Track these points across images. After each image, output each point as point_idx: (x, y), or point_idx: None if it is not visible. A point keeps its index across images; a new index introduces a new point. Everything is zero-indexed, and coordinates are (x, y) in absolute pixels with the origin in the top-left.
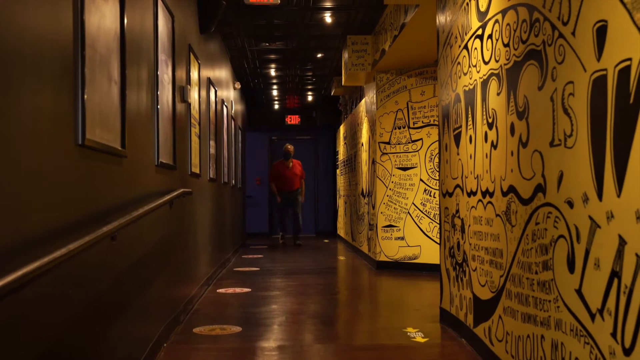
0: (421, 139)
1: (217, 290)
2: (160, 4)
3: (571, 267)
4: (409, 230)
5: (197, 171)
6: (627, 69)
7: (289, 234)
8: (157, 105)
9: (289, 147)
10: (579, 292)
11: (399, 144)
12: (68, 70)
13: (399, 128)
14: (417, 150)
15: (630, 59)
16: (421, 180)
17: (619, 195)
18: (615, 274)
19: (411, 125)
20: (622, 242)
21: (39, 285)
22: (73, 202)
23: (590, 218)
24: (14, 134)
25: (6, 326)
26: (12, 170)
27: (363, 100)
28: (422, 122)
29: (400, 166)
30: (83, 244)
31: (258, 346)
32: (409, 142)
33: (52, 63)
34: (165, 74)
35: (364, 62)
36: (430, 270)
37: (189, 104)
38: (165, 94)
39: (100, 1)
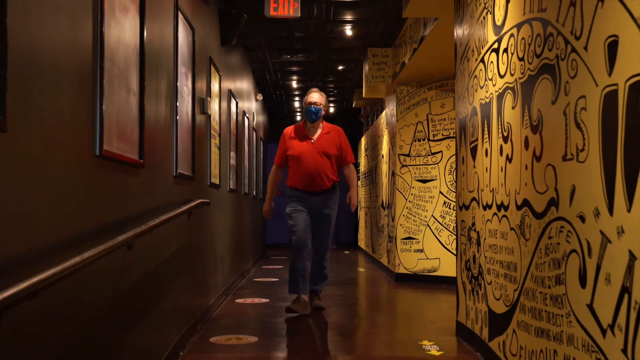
0: (441, 151)
1: (236, 300)
2: (180, 17)
3: (583, 281)
4: (428, 242)
5: (217, 182)
6: (638, 84)
7: (303, 288)
8: (176, 116)
9: (315, 94)
10: (590, 307)
11: (418, 156)
12: (87, 83)
13: (419, 140)
14: (437, 163)
15: None
16: (440, 192)
17: (629, 210)
18: (625, 290)
19: (431, 138)
20: (632, 257)
21: (53, 293)
22: (90, 211)
23: (602, 233)
24: (32, 144)
25: (19, 333)
26: (31, 180)
27: (384, 112)
28: (442, 134)
29: (420, 178)
30: (97, 253)
31: (272, 356)
32: (428, 155)
33: (70, 75)
34: (185, 85)
35: (384, 75)
36: (449, 283)
37: (209, 115)
38: (185, 105)
39: (120, 15)
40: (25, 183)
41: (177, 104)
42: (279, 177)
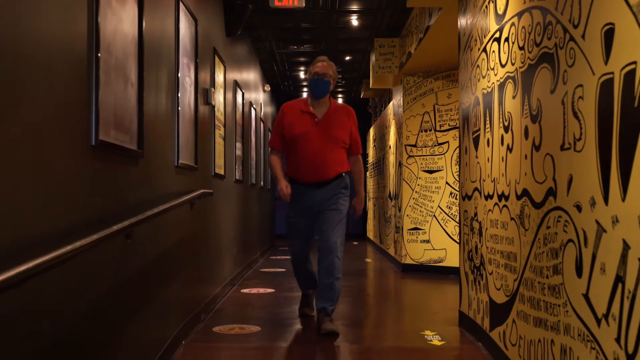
0: (447, 141)
1: (241, 290)
2: (182, 8)
3: (579, 271)
4: (435, 233)
5: (222, 172)
6: (632, 73)
7: (308, 294)
8: (178, 107)
9: (323, 63)
10: (586, 296)
11: (425, 146)
12: (81, 73)
13: (426, 131)
14: (443, 153)
15: (635, 62)
16: (447, 183)
17: (623, 200)
18: (619, 279)
19: (437, 128)
20: (626, 246)
21: (45, 282)
22: (86, 201)
23: (597, 222)
24: (23, 134)
25: (9, 322)
26: (22, 169)
27: (391, 103)
28: (449, 125)
29: (427, 169)
30: (90, 242)
31: (274, 345)
32: (435, 145)
33: (64, 65)
34: (187, 76)
35: (391, 65)
36: (455, 274)
37: (213, 106)
38: (187, 96)
39: (117, 6)
40: (16, 173)
41: (179, 94)
42: (280, 161)
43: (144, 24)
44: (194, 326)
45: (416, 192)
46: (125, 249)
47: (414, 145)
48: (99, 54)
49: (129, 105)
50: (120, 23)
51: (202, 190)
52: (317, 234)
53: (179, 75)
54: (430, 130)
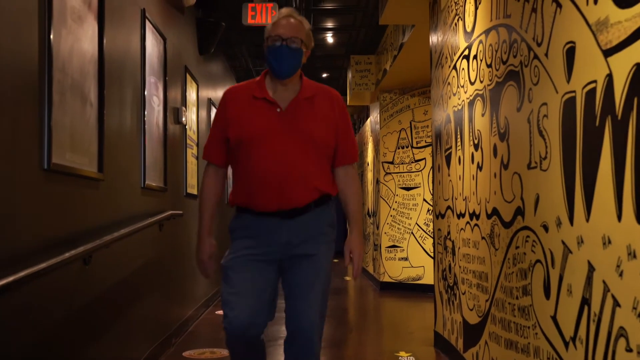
0: (424, 158)
1: (216, 312)
2: (148, 27)
3: (547, 293)
4: (413, 250)
5: (195, 192)
6: (593, 91)
7: None
8: (144, 127)
9: (288, 20)
10: (554, 318)
11: (402, 163)
12: (32, 93)
13: (403, 147)
14: (421, 170)
15: (595, 81)
16: (424, 200)
17: (587, 220)
18: (585, 301)
19: (414, 145)
20: (591, 268)
21: None
22: (39, 226)
23: (563, 243)
24: None
25: None
26: None
27: (368, 120)
28: (425, 141)
29: (404, 186)
30: (35, 271)
31: None
32: (412, 162)
33: (12, 86)
34: (155, 95)
35: (367, 82)
36: (433, 292)
37: (185, 125)
38: (155, 116)
39: (74, 25)
40: None
41: (145, 114)
42: (219, 186)
43: (104, 42)
44: (164, 350)
45: (394, 209)
46: (83, 275)
47: (391, 162)
48: (52, 74)
49: (87, 127)
50: (78, 42)
51: (170, 212)
52: (288, 304)
53: (146, 94)
54: (407, 147)
